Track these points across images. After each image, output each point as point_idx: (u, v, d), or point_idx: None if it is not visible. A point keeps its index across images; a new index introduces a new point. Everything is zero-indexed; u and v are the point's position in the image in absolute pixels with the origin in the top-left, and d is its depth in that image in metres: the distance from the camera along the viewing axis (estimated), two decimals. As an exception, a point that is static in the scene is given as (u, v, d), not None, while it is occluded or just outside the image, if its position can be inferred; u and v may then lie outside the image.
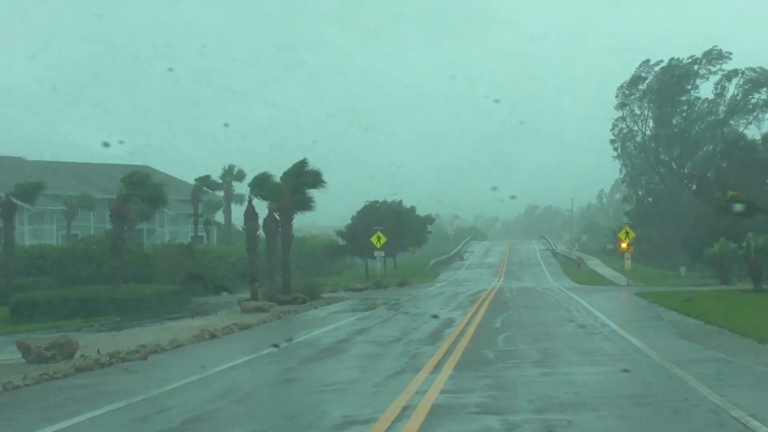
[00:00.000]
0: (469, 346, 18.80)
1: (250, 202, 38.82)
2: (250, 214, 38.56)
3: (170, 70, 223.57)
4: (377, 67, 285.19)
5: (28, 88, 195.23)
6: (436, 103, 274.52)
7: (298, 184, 40.30)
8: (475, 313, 29.85)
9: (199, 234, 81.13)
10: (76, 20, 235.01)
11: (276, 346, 20.90)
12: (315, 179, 40.57)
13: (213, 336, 23.47)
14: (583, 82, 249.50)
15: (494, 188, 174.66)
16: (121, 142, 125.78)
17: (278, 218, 41.05)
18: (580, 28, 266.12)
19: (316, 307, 36.77)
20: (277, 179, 39.72)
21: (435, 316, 28.60)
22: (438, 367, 15.35)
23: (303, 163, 40.12)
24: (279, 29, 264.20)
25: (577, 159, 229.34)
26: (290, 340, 21.46)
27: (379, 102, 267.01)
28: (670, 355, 16.71)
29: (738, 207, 43.67)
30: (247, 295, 38.78)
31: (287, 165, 40.35)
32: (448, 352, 17.61)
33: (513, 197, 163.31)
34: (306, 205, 41.50)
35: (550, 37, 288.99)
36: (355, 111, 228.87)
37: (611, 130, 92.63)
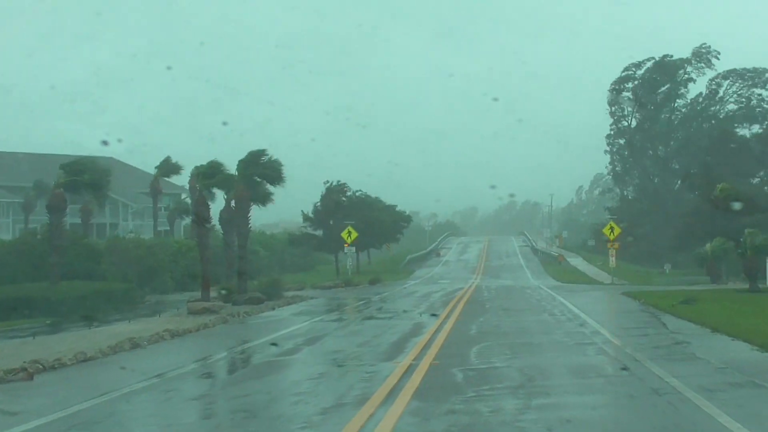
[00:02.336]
0: (435, 362, 15.33)
1: (199, 192, 35.09)
2: (201, 206, 34.85)
3: (168, 68, 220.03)
4: (375, 65, 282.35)
5: (26, 86, 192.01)
6: (434, 101, 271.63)
7: (255, 176, 36.71)
8: (448, 316, 26.43)
9: (165, 229, 77.27)
10: (75, 18, 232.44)
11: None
12: (274, 172, 36.97)
13: (135, 346, 19.87)
14: (580, 80, 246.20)
15: (493, 186, 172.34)
16: (119, 140, 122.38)
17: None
18: (578, 26, 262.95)
19: (273, 308, 33.23)
20: (231, 169, 36.14)
21: (401, 320, 25.17)
22: (392, 394, 11.90)
23: (261, 153, 36.52)
24: (276, 27, 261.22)
25: (567, 156, 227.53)
26: (225, 352, 17.95)
27: (377, 100, 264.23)
28: (684, 375, 13.37)
29: (736, 205, 40.68)
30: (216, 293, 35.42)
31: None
32: (409, 371, 14.16)
33: (512, 195, 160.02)
34: (264, 198, 37.89)
35: (548, 35, 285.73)
36: (353, 109, 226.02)
37: (611, 126, 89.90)
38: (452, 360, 15.65)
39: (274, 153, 36.64)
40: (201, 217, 34.16)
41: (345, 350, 17.81)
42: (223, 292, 37.04)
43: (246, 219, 36.96)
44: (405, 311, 29.55)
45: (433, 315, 26.88)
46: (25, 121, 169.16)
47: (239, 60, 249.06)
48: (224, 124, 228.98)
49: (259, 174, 36.69)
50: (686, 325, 22.64)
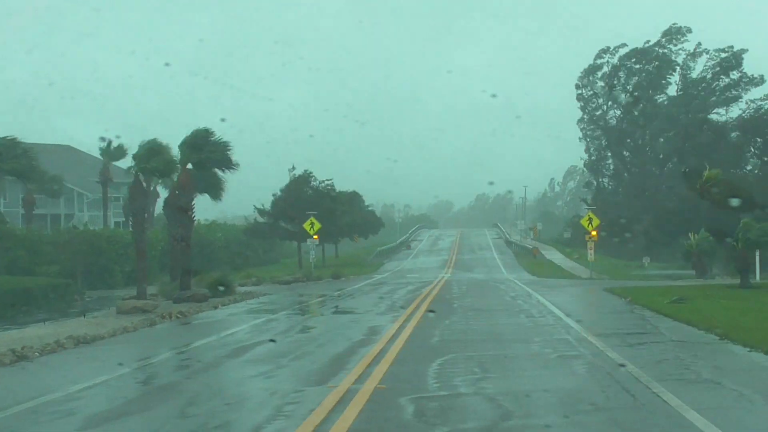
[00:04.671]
0: (381, 386, 11.81)
1: (136, 177, 31.22)
2: (137, 192, 31.05)
3: (167, 65, 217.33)
4: (374, 62, 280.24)
5: (25, 82, 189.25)
6: (432, 97, 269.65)
7: (202, 160, 32.91)
8: (410, 316, 22.94)
9: (121, 220, 73.19)
10: (73, 15, 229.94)
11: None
12: (222, 155, 33.13)
13: (21, 358, 16.17)
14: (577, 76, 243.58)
15: (491, 183, 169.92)
16: (117, 137, 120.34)
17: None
18: (576, 22, 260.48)
19: (217, 307, 29.61)
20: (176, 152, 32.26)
21: (354, 323, 21.62)
22: (310, 443, 8.37)
23: (206, 132, 32.67)
24: (276, 24, 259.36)
25: (564, 152, 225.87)
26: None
27: (376, 96, 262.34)
28: (711, 406, 10.00)
29: (735, 201, 37.56)
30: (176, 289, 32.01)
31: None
32: (344, 401, 10.63)
33: (510, 192, 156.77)
34: (214, 187, 34.01)
35: (546, 31, 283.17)
36: (352, 105, 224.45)
37: (580, 118, 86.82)
38: (404, 383, 12.15)
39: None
40: (136, 205, 30.43)
41: (272, 368, 14.17)
42: (221, 288, 33.66)
43: (190, 207, 33.19)
44: (361, 310, 26.07)
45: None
46: (24, 117, 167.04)
47: (238, 56, 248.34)
48: (222, 120, 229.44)
49: (202, 158, 32.88)
50: (686, 329, 19.30)
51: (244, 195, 65.54)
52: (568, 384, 12.14)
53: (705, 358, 14.49)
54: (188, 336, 20.06)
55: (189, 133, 32.21)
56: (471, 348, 16.31)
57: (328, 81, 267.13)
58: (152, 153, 30.06)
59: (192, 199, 33.09)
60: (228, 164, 33.00)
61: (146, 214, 32.15)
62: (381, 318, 23.11)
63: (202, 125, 34.85)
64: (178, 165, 31.81)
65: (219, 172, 34.03)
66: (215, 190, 34.44)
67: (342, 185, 78.46)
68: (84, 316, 27.78)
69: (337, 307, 28.77)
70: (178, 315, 25.95)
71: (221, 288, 34.51)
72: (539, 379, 12.51)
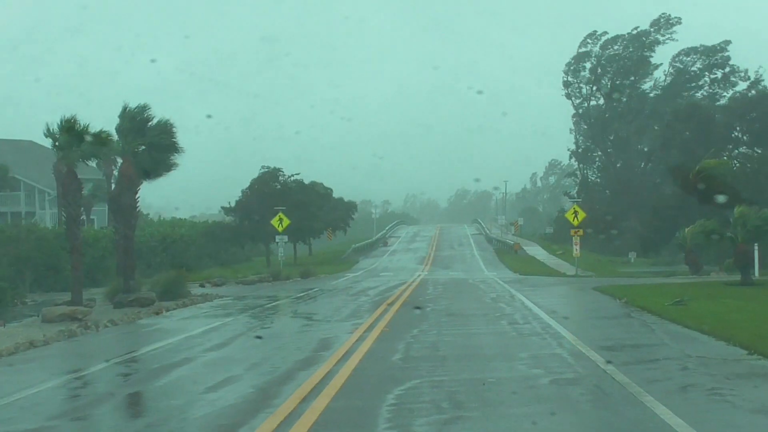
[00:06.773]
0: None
1: (69, 168, 27.60)
2: (69, 184, 27.48)
3: (153, 61, 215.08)
4: (360, 58, 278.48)
5: (11, 78, 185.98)
6: (419, 94, 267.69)
7: (147, 147, 29.36)
8: (374, 324, 19.60)
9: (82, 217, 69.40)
10: (59, 11, 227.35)
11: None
12: (167, 140, 29.53)
13: None
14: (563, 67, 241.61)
15: (477, 179, 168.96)
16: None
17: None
18: (563, 20, 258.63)
19: (158, 313, 26.16)
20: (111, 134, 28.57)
21: (308, 333, 18.27)
22: None
23: (143, 109, 29.10)
24: (262, 20, 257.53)
25: (551, 148, 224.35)
26: None
27: (362, 93, 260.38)
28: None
29: (721, 198, 34.58)
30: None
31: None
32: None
33: (496, 188, 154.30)
34: (164, 166, 30.33)
35: (533, 28, 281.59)
36: (338, 102, 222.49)
37: (575, 110, 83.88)
38: (344, 428, 8.83)
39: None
40: (68, 197, 26.93)
41: (179, 403, 10.77)
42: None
43: (133, 201, 29.68)
44: (321, 316, 22.72)
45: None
46: (11, 113, 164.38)
47: (224, 53, 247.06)
48: (209, 116, 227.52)
49: (151, 145, 29.37)
50: (700, 338, 16.11)
51: (233, 191, 62.41)
52: (571, 426, 8.85)
53: (742, 385, 11.24)
54: (103, 353, 16.63)
55: (123, 113, 28.60)
56: (441, 369, 13.00)
57: (314, 77, 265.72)
58: (76, 138, 26.34)
59: (136, 192, 29.60)
60: (173, 151, 29.49)
61: (82, 208, 28.50)
62: (339, 326, 19.72)
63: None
64: (115, 152, 28.29)
65: (166, 157, 30.32)
66: (164, 168, 30.65)
67: (327, 182, 75.42)
68: (4, 325, 24.31)
69: (296, 310, 25.44)
70: (108, 324, 22.48)
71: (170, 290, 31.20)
72: (529, 420, 9.21)
